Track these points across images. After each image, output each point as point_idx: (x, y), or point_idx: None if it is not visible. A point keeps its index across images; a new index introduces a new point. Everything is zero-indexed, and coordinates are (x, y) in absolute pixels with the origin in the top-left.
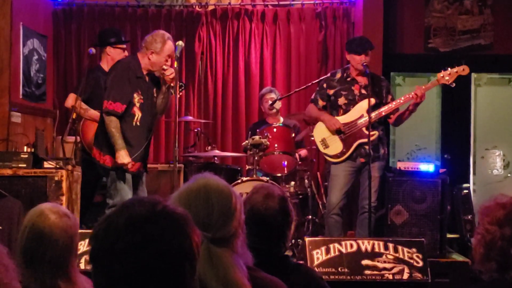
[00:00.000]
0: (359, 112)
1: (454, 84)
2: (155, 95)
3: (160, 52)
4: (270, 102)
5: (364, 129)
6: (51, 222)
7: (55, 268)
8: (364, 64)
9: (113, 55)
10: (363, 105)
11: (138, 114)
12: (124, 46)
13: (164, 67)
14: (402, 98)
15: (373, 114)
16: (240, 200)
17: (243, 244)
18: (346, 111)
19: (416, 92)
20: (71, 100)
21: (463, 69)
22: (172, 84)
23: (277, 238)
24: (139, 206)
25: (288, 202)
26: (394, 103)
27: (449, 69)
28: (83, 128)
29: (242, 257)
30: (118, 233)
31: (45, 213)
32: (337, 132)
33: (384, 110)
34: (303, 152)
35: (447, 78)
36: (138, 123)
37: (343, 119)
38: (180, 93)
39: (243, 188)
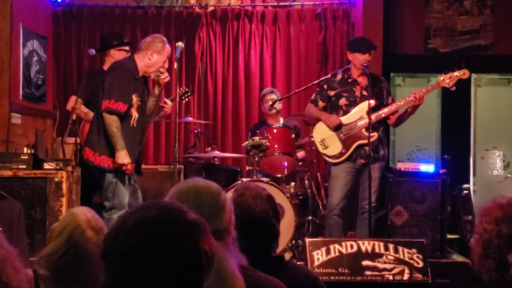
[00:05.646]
0: (359, 113)
1: (454, 88)
2: (146, 98)
3: (161, 51)
4: (270, 102)
5: (363, 130)
6: (89, 238)
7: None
8: (364, 64)
9: (117, 57)
10: (363, 106)
11: (135, 115)
12: (127, 48)
13: (161, 69)
14: (402, 101)
15: (373, 116)
16: (230, 201)
17: (235, 244)
18: (346, 112)
19: (415, 95)
20: (72, 103)
21: (463, 73)
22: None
23: (271, 237)
24: (152, 210)
25: (274, 198)
26: (394, 105)
27: (449, 72)
28: (83, 130)
29: (236, 257)
30: (127, 234)
31: (82, 227)
32: (337, 129)
33: (384, 112)
34: (301, 153)
35: (447, 81)
36: (134, 125)
37: (343, 120)
38: (187, 99)
39: None
